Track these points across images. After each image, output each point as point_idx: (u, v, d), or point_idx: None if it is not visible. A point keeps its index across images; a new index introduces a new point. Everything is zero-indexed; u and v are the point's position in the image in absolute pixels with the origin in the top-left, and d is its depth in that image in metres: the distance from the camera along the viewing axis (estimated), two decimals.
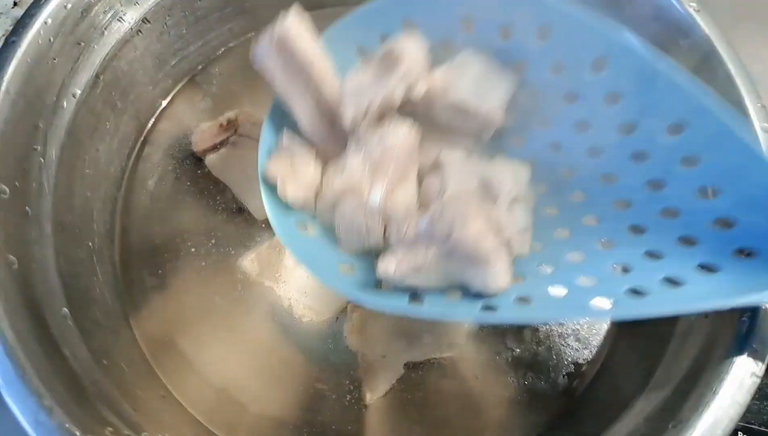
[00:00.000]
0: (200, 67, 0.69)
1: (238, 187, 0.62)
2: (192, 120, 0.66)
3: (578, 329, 0.58)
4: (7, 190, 0.46)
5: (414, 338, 0.55)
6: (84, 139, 0.57)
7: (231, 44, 0.71)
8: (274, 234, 0.44)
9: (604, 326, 0.59)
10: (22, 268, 0.45)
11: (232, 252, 0.60)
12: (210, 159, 0.63)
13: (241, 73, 0.69)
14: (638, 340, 0.55)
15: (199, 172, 0.63)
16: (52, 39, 0.50)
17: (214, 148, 0.62)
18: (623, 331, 0.58)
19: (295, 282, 0.58)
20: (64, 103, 0.53)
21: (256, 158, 0.46)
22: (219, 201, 0.62)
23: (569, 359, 0.57)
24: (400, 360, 0.55)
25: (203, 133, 0.63)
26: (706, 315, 0.49)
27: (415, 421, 0.54)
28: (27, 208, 0.48)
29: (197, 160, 0.63)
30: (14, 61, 0.47)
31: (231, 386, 0.54)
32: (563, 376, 0.56)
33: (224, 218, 0.61)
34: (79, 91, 0.55)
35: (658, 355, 0.49)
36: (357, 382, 0.54)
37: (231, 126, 0.62)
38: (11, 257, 0.44)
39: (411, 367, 0.55)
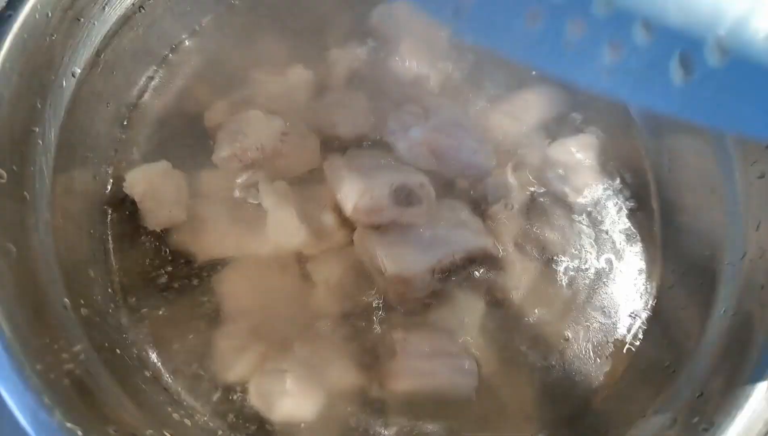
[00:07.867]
0: (204, 43, 0.66)
1: None
2: (198, 99, 0.62)
3: (606, 322, 0.56)
4: (5, 174, 0.43)
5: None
6: (85, 121, 0.54)
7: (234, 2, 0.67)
8: None
9: (638, 322, 0.56)
10: (21, 256, 0.43)
11: None
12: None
13: (244, 41, 0.65)
14: (667, 332, 0.54)
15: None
16: (50, 13, 0.47)
17: None
18: (651, 324, 0.56)
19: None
20: (64, 82, 0.50)
21: None
22: None
23: (594, 354, 0.55)
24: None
25: (216, 109, 0.60)
26: (734, 312, 0.47)
27: (435, 412, 0.52)
28: (25, 193, 0.46)
29: (205, 140, 0.60)
30: (10, 36, 0.44)
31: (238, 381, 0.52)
32: (588, 370, 0.54)
33: None
34: (79, 70, 0.52)
35: (685, 352, 0.48)
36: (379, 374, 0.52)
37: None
38: (9, 244, 0.42)
39: None
